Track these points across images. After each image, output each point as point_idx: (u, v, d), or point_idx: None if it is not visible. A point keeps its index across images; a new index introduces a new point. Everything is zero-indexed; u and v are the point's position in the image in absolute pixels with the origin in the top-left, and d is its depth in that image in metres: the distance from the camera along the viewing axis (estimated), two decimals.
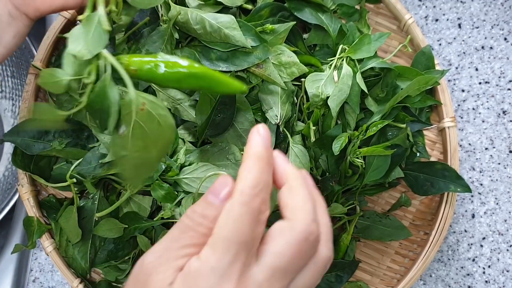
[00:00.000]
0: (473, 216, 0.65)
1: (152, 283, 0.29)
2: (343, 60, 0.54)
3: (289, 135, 0.53)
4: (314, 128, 0.53)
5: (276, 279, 0.29)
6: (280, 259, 0.29)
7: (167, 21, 0.52)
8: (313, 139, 0.53)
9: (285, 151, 0.53)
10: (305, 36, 0.59)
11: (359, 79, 0.53)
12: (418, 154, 0.59)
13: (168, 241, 0.30)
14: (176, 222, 0.54)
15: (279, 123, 0.53)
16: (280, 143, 0.54)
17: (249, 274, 0.29)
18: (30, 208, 0.56)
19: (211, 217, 0.29)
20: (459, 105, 0.66)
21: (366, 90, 0.53)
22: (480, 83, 0.66)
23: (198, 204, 0.31)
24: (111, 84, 0.37)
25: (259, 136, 0.31)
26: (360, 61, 0.55)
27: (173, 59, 0.37)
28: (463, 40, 0.66)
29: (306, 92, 0.54)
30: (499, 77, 0.66)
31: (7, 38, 0.45)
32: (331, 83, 0.52)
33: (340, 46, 0.55)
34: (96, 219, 0.55)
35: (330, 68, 0.54)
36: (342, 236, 0.57)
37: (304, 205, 0.30)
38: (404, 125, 0.56)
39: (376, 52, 0.57)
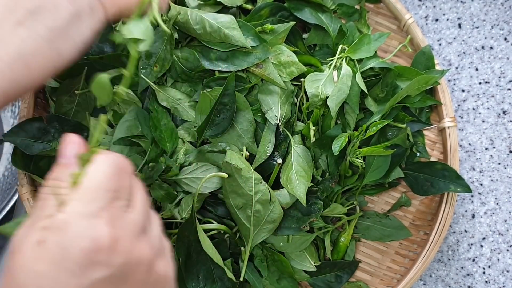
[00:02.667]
0: (473, 216, 0.65)
1: (19, 250, 0.29)
2: (342, 60, 0.54)
3: (290, 136, 0.53)
4: (314, 128, 0.53)
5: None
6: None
7: (167, 21, 0.52)
8: (313, 139, 0.53)
9: (286, 151, 0.53)
10: (305, 36, 0.59)
11: (359, 79, 0.53)
12: (418, 154, 0.59)
13: (34, 213, 0.30)
14: (176, 222, 0.54)
15: (279, 123, 0.53)
16: (281, 143, 0.53)
17: (124, 216, 0.31)
18: (30, 209, 0.56)
19: (63, 177, 0.31)
20: (459, 105, 0.66)
21: (366, 90, 0.53)
22: (480, 83, 0.66)
23: (53, 171, 0.32)
24: None
25: None
26: (359, 61, 0.55)
27: None
28: (463, 40, 0.66)
29: (305, 92, 0.54)
30: (499, 77, 0.66)
31: (87, 33, 0.38)
32: (331, 83, 0.52)
33: (340, 46, 0.55)
34: None
35: (329, 68, 0.54)
36: (342, 236, 0.57)
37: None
38: (404, 125, 0.56)
39: (376, 52, 0.57)
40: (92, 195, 0.30)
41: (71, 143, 0.33)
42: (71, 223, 0.29)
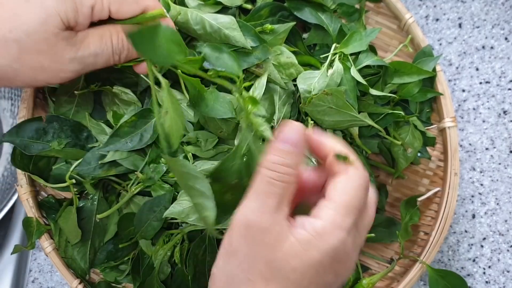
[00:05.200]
0: (473, 216, 0.65)
1: (272, 240, 0.30)
2: (336, 56, 0.54)
3: None
4: (312, 122, 0.52)
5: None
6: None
7: None
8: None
9: None
10: (305, 35, 0.59)
11: (354, 73, 0.52)
12: (419, 154, 0.59)
13: (260, 197, 0.31)
14: (176, 222, 0.54)
15: (276, 126, 0.52)
16: None
17: (359, 231, 0.33)
18: (29, 209, 0.56)
19: (294, 165, 0.31)
20: (459, 105, 0.66)
21: (363, 81, 0.52)
22: (480, 83, 0.66)
23: (274, 155, 0.31)
24: None
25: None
26: (355, 59, 0.55)
27: None
28: (464, 40, 0.66)
29: None
30: (500, 77, 0.65)
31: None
32: (325, 79, 0.52)
33: (334, 44, 0.55)
34: (97, 220, 0.55)
35: (324, 66, 0.54)
36: (366, 279, 0.57)
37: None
38: (399, 142, 0.56)
39: (371, 48, 0.57)
40: (348, 210, 0.31)
41: (295, 132, 0.32)
42: (331, 233, 0.31)
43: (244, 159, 0.37)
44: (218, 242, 0.52)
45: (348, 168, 0.33)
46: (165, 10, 0.41)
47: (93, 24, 0.41)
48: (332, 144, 0.34)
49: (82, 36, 0.39)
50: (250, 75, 0.54)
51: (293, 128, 0.32)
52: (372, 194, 0.36)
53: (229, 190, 0.38)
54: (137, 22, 0.41)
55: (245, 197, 0.32)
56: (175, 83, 0.55)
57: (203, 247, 0.52)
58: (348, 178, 0.33)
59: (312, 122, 0.52)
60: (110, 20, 0.42)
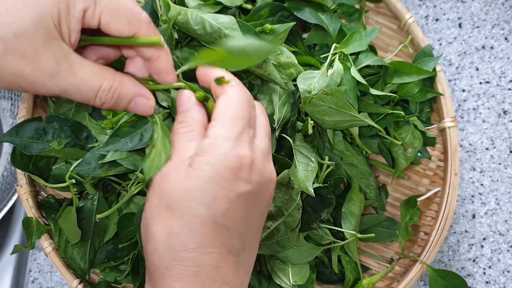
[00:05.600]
0: (473, 216, 0.65)
1: (168, 176, 0.34)
2: (336, 56, 0.54)
3: (290, 139, 0.53)
4: (311, 122, 0.52)
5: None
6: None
7: (167, 21, 0.52)
8: (310, 131, 0.52)
9: (289, 153, 0.53)
10: (304, 35, 0.59)
11: (354, 72, 0.52)
12: (419, 154, 0.59)
13: (173, 153, 0.36)
14: None
15: (276, 127, 0.52)
16: (281, 147, 0.54)
17: (258, 137, 0.37)
18: (29, 209, 0.56)
19: (197, 117, 0.37)
20: (459, 105, 0.66)
21: (363, 81, 0.52)
22: (480, 83, 0.66)
23: (180, 116, 0.37)
24: None
25: None
26: (355, 59, 0.55)
27: None
28: (464, 40, 0.66)
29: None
30: (500, 77, 0.66)
31: None
32: (325, 79, 0.52)
33: (334, 44, 0.55)
34: (97, 220, 0.55)
35: (324, 66, 0.54)
36: (366, 279, 0.57)
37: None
38: (399, 142, 0.56)
39: (371, 48, 0.57)
40: (232, 122, 0.35)
41: (184, 94, 0.38)
42: (218, 144, 0.34)
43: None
44: None
45: (226, 87, 0.37)
46: (163, 39, 0.39)
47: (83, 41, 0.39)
48: (213, 71, 0.38)
49: (74, 60, 0.36)
50: (250, 75, 0.54)
51: (183, 93, 0.38)
52: (259, 104, 0.40)
53: None
54: (128, 43, 0.39)
55: None
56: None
57: None
58: (227, 96, 0.36)
59: (312, 122, 0.52)
60: (100, 38, 0.40)
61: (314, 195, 0.50)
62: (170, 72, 0.40)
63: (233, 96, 0.36)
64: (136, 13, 0.38)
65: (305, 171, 0.51)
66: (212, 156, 0.33)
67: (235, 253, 0.35)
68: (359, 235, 0.54)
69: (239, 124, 0.35)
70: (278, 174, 0.50)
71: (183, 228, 0.33)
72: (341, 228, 0.55)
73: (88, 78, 0.36)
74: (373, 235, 0.55)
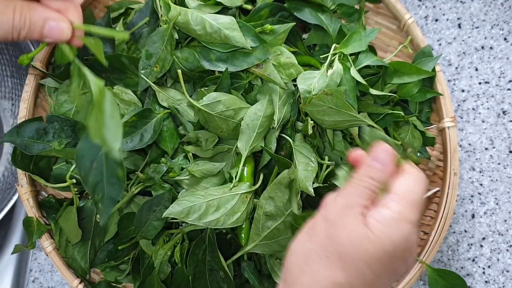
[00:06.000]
0: (473, 216, 0.65)
1: (345, 218, 0.35)
2: (336, 56, 0.54)
3: (290, 140, 0.53)
4: (311, 122, 0.53)
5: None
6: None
7: (167, 22, 0.52)
8: (310, 131, 0.52)
9: (289, 153, 0.53)
10: (304, 36, 0.59)
11: (354, 73, 0.52)
12: (418, 154, 0.59)
13: (348, 195, 0.36)
14: (176, 221, 0.54)
15: (276, 127, 0.53)
16: (282, 147, 0.54)
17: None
18: (30, 209, 0.56)
19: (378, 179, 0.37)
20: (459, 105, 0.66)
21: (363, 81, 0.52)
22: (480, 83, 0.66)
23: (365, 170, 0.37)
24: None
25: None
26: (355, 59, 0.55)
27: None
28: (463, 40, 0.66)
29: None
30: (499, 77, 0.66)
31: None
32: (325, 79, 0.52)
33: (334, 44, 0.55)
34: (98, 220, 0.55)
35: (324, 66, 0.54)
36: None
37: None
38: (399, 142, 0.56)
39: (371, 48, 0.57)
40: (414, 205, 0.35)
41: (386, 151, 0.38)
42: (399, 222, 0.34)
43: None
44: (218, 242, 0.52)
45: (409, 168, 0.38)
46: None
47: None
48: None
49: None
50: (250, 75, 0.54)
51: (384, 150, 0.38)
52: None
53: None
54: None
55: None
56: (175, 83, 0.55)
57: (203, 247, 0.52)
58: (412, 175, 0.37)
59: (312, 122, 0.52)
60: None
61: (314, 195, 0.50)
62: (77, 20, 0.40)
63: (418, 178, 0.37)
64: None
65: (305, 171, 0.51)
66: (394, 232, 0.34)
67: None
68: None
69: (418, 209, 0.35)
70: (278, 174, 0.51)
71: (347, 284, 0.34)
72: None
73: (1, 12, 0.38)
74: None
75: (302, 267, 0.35)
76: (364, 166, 0.38)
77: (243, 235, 0.52)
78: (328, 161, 0.53)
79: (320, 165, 0.53)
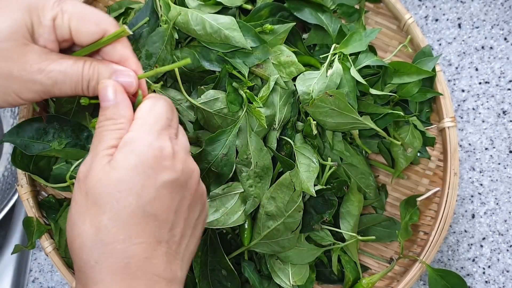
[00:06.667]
0: (473, 216, 0.65)
1: (93, 169, 0.35)
2: (335, 57, 0.54)
3: (291, 141, 0.53)
4: (314, 122, 0.52)
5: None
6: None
7: (167, 22, 0.52)
8: (315, 131, 0.52)
9: (289, 154, 0.53)
10: (304, 36, 0.59)
11: (354, 73, 0.52)
12: (418, 154, 0.59)
13: (92, 146, 0.37)
14: None
15: (276, 127, 0.53)
16: (282, 147, 0.54)
17: (176, 138, 0.38)
18: (30, 209, 0.56)
19: (116, 115, 0.37)
20: (459, 105, 0.66)
21: (363, 81, 0.52)
22: (480, 83, 0.66)
23: (109, 112, 0.38)
24: None
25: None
26: (355, 59, 0.55)
27: None
28: (463, 40, 0.66)
29: None
30: (499, 77, 0.66)
31: None
32: (324, 81, 0.52)
33: (334, 44, 0.55)
34: None
35: (324, 66, 0.54)
36: (365, 279, 0.57)
37: None
38: (399, 143, 0.56)
39: (371, 48, 0.57)
40: (155, 119, 0.37)
41: (109, 86, 0.38)
42: (141, 137, 0.35)
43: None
44: (220, 243, 0.52)
45: (149, 95, 0.39)
46: (127, 27, 0.40)
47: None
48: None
49: (56, 55, 0.40)
50: (250, 75, 0.54)
51: (105, 87, 0.39)
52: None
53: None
54: (99, 45, 0.41)
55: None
56: (175, 83, 0.55)
57: (204, 249, 0.52)
58: (152, 98, 0.39)
59: (314, 122, 0.52)
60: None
61: (315, 195, 0.50)
62: (139, 70, 0.42)
63: (156, 98, 0.39)
64: (103, 15, 0.41)
65: (307, 172, 0.51)
66: (135, 146, 0.35)
67: (165, 244, 0.35)
68: (359, 237, 0.54)
69: (161, 121, 0.37)
70: (281, 175, 0.51)
71: (112, 220, 0.33)
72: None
73: (73, 63, 0.40)
74: (374, 237, 0.55)
75: (71, 235, 0.35)
76: (100, 111, 0.38)
77: (245, 234, 0.52)
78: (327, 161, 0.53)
79: (322, 166, 0.53)
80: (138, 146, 0.35)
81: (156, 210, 0.34)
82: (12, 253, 0.57)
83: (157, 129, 0.36)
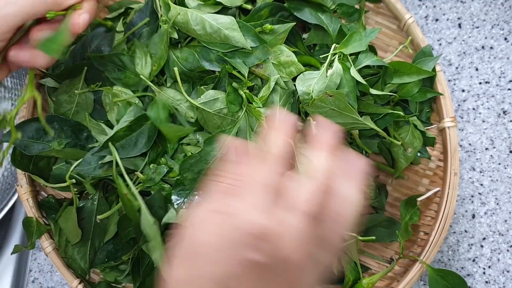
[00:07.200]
0: (473, 216, 0.65)
1: (196, 225, 0.34)
2: (335, 57, 0.54)
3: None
4: (314, 122, 0.52)
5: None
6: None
7: (167, 22, 0.52)
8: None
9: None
10: (304, 36, 0.59)
11: (354, 73, 0.52)
12: (419, 154, 0.59)
13: (209, 197, 0.35)
14: (176, 223, 0.54)
15: None
16: None
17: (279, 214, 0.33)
18: (29, 209, 0.56)
19: (247, 174, 0.35)
20: (459, 105, 0.66)
21: (363, 81, 0.52)
22: (480, 83, 0.66)
23: (227, 166, 0.36)
24: None
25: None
26: (355, 59, 0.55)
27: None
28: (463, 40, 0.66)
29: None
30: (499, 77, 0.66)
31: None
32: (324, 81, 0.52)
33: (334, 45, 0.55)
34: (97, 220, 0.55)
35: (323, 66, 0.54)
36: (366, 279, 0.57)
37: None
38: (399, 143, 0.56)
39: (371, 48, 0.57)
40: (264, 191, 0.33)
41: (238, 144, 0.38)
42: (245, 210, 0.32)
43: None
44: None
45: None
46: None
47: None
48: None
49: None
50: (250, 75, 0.54)
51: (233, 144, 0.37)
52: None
53: None
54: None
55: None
56: (175, 83, 0.55)
57: None
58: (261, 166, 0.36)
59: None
60: None
61: None
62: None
63: (264, 167, 0.36)
64: None
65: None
66: (237, 219, 0.33)
67: None
68: (359, 238, 0.54)
69: (271, 196, 0.33)
70: None
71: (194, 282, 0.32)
72: None
73: None
74: (374, 237, 0.55)
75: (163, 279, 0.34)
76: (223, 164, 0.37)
77: None
78: None
79: None
80: (239, 219, 0.33)
81: (233, 285, 0.32)
82: (12, 253, 0.57)
83: (264, 205, 0.33)
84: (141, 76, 0.53)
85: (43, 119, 0.47)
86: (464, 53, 0.66)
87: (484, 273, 0.64)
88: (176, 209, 0.49)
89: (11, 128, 0.47)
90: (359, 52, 0.55)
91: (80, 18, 0.44)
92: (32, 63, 0.45)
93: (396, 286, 0.57)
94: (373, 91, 0.53)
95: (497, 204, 0.65)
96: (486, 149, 0.65)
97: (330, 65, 0.54)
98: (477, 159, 0.65)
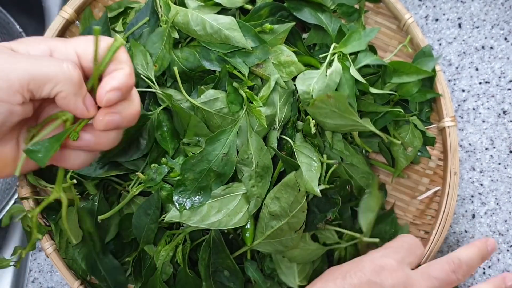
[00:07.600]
0: (473, 216, 0.65)
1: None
2: (335, 56, 0.54)
3: (292, 142, 0.53)
4: (313, 121, 0.52)
5: None
6: None
7: (167, 22, 0.52)
8: (313, 130, 0.52)
9: (290, 153, 0.53)
10: (304, 36, 0.59)
11: (354, 72, 0.52)
12: (419, 153, 0.59)
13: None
14: (177, 222, 0.54)
15: (277, 127, 0.52)
16: (282, 147, 0.53)
17: None
18: (29, 208, 0.56)
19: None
20: (459, 105, 0.66)
21: (362, 80, 0.52)
22: (480, 83, 0.66)
23: (404, 252, 0.49)
24: None
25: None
26: (354, 59, 0.55)
27: None
28: (463, 40, 0.66)
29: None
30: (500, 77, 0.66)
31: None
32: (324, 80, 0.52)
33: (333, 44, 0.55)
34: (99, 221, 0.55)
35: (323, 66, 0.54)
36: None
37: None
38: (399, 142, 0.56)
39: (371, 48, 0.57)
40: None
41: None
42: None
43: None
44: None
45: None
46: (119, 37, 0.37)
47: None
48: None
49: None
50: (250, 74, 0.54)
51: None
52: None
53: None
54: (100, 68, 0.37)
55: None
56: (175, 82, 0.55)
57: (208, 251, 0.52)
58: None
59: (313, 121, 0.52)
60: None
61: (320, 195, 0.50)
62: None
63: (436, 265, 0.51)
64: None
65: (309, 171, 0.51)
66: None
67: None
68: (364, 238, 0.54)
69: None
70: (281, 174, 0.51)
71: None
72: (353, 224, 0.55)
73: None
74: (377, 240, 0.55)
75: None
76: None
77: (247, 234, 0.52)
78: (328, 160, 0.53)
79: (323, 165, 0.53)
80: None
81: None
82: (11, 255, 0.57)
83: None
84: (141, 76, 0.53)
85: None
86: (464, 53, 0.66)
87: (484, 273, 0.64)
88: (178, 209, 0.49)
89: (32, 227, 0.42)
90: (358, 52, 0.55)
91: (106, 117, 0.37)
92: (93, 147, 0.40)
93: None
94: (373, 90, 0.53)
95: (497, 204, 0.65)
96: (486, 149, 0.65)
97: (330, 64, 0.54)
98: (477, 159, 0.65)
